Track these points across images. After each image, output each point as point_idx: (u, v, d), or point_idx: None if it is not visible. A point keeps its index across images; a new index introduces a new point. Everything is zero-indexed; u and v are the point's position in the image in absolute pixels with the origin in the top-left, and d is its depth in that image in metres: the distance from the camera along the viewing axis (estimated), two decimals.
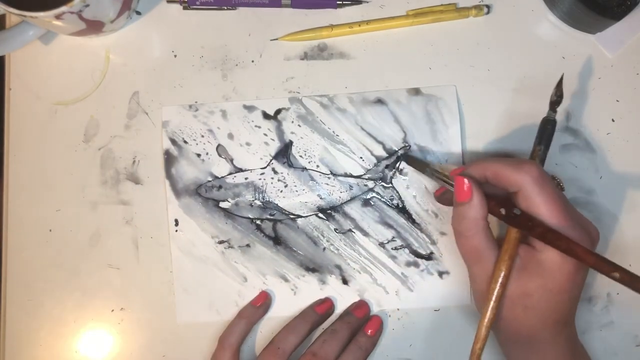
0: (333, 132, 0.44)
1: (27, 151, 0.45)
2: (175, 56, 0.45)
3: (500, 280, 0.35)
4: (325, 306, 0.42)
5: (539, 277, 0.34)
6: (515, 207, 0.35)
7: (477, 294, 0.38)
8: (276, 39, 0.45)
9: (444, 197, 0.41)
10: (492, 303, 0.35)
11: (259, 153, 0.44)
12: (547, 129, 0.38)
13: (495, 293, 0.35)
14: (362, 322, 0.42)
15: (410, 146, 0.44)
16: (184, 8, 0.45)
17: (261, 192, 0.44)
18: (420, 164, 0.42)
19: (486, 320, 0.35)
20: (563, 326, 0.36)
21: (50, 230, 0.44)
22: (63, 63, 0.46)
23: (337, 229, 0.44)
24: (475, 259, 0.36)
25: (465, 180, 0.35)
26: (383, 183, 0.44)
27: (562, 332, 0.36)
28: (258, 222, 0.44)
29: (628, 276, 0.30)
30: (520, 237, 0.35)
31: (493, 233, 0.37)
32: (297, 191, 0.44)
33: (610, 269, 0.31)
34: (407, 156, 0.43)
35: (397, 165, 0.44)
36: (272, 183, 0.44)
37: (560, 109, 0.44)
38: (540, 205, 0.34)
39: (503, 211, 0.35)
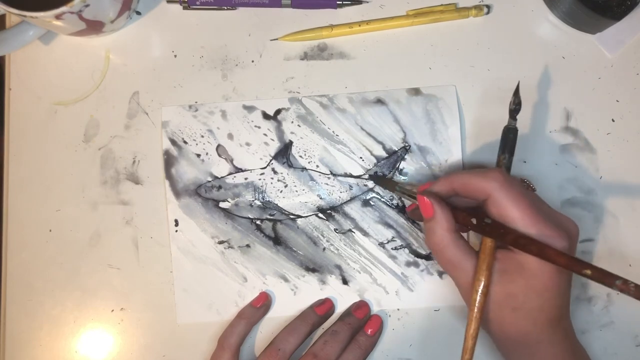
0: (333, 132, 0.44)
1: (27, 151, 0.45)
2: (175, 56, 0.45)
3: (480, 289, 0.35)
4: (325, 307, 0.42)
5: (521, 278, 0.34)
6: (485, 216, 0.35)
7: (466, 303, 0.38)
8: (276, 39, 0.45)
9: (415, 212, 0.41)
10: (475, 313, 0.35)
11: (258, 153, 0.44)
12: (509, 137, 0.38)
13: (477, 303, 0.35)
14: (362, 323, 0.42)
15: (410, 146, 0.44)
16: (184, 8, 0.45)
17: (261, 192, 0.44)
18: (389, 183, 0.42)
19: (472, 330, 0.35)
20: (557, 325, 0.36)
21: (50, 230, 0.44)
22: (63, 63, 0.46)
23: (337, 229, 0.44)
24: (453, 269, 0.37)
25: (425, 198, 0.36)
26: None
27: (557, 331, 0.36)
28: (258, 222, 0.44)
29: (599, 273, 0.31)
30: (496, 244, 0.36)
31: (470, 241, 0.37)
32: (297, 191, 0.44)
33: (581, 267, 0.31)
34: (375, 177, 0.43)
35: (397, 165, 0.44)
36: (272, 183, 0.44)
37: (560, 109, 0.44)
38: (509, 207, 0.34)
39: (474, 221, 0.35)
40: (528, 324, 0.35)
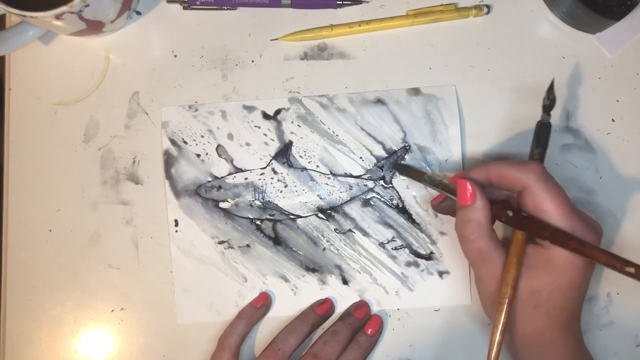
0: (333, 132, 0.44)
1: (27, 151, 0.45)
2: (175, 56, 0.45)
3: (510, 282, 0.34)
4: (325, 307, 0.42)
5: (548, 274, 0.34)
6: (521, 210, 0.35)
7: (486, 299, 0.37)
8: (276, 39, 0.45)
9: (441, 205, 0.41)
10: (505, 306, 0.34)
11: (258, 153, 0.44)
12: (543, 132, 0.38)
13: (507, 296, 0.34)
14: (362, 323, 0.42)
15: (410, 146, 0.44)
16: (184, 8, 0.45)
17: (261, 192, 0.44)
18: (417, 173, 0.42)
19: (500, 324, 0.34)
20: (571, 324, 0.36)
21: (50, 230, 0.44)
22: (63, 63, 0.46)
23: (337, 229, 0.44)
24: (482, 261, 0.36)
25: (468, 183, 0.35)
26: (383, 183, 0.44)
27: (571, 331, 0.36)
28: (258, 222, 0.44)
29: None
30: (527, 237, 0.35)
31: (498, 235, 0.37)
32: (297, 191, 0.44)
33: (623, 265, 0.31)
34: (401, 166, 0.43)
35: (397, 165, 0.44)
36: (272, 183, 0.44)
37: (560, 109, 0.44)
38: (546, 202, 0.34)
39: (510, 213, 0.35)
40: (547, 321, 0.35)
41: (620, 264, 0.31)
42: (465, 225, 0.36)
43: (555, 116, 0.44)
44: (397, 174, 0.44)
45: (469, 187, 0.35)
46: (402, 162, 0.43)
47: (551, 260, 0.34)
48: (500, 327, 0.34)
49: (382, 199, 0.44)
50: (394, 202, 0.44)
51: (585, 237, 0.33)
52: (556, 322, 0.35)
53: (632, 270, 0.30)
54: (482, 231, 0.35)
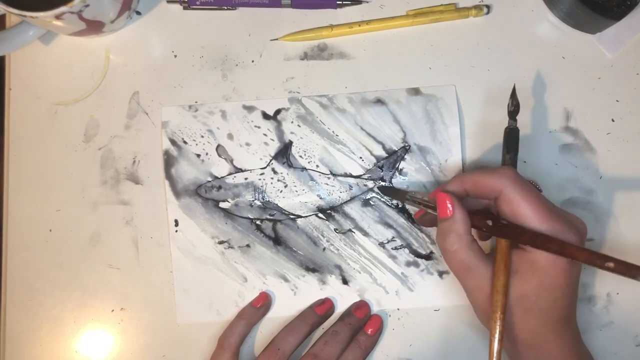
0: (333, 132, 0.44)
1: (27, 151, 0.45)
2: (175, 56, 0.45)
3: (501, 290, 0.34)
4: (325, 307, 0.42)
5: (534, 277, 0.34)
6: (501, 218, 0.35)
7: (478, 309, 0.37)
8: (276, 39, 0.45)
9: (424, 218, 0.41)
10: (498, 314, 0.34)
11: (258, 153, 0.44)
12: (511, 137, 0.39)
13: (500, 304, 0.34)
14: (362, 323, 0.42)
15: (410, 146, 0.44)
16: (184, 8, 0.45)
17: (261, 192, 0.44)
18: (399, 194, 0.42)
19: (497, 333, 0.34)
20: (565, 324, 0.36)
21: (50, 230, 0.44)
22: (63, 63, 0.46)
23: (337, 229, 0.44)
24: (466, 273, 0.36)
25: (446, 196, 0.36)
26: (383, 183, 0.44)
27: (566, 331, 0.36)
28: (258, 222, 0.44)
29: (622, 265, 0.30)
30: (511, 243, 0.35)
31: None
32: (297, 191, 0.44)
33: (603, 260, 0.31)
34: (382, 188, 0.43)
35: (397, 165, 0.44)
36: (271, 183, 0.44)
37: (560, 109, 0.44)
38: (521, 204, 0.34)
39: (490, 223, 0.35)
40: (539, 324, 0.35)
41: (600, 261, 0.31)
42: (446, 238, 0.36)
43: (556, 116, 0.44)
44: (396, 174, 0.44)
45: (446, 199, 0.36)
46: (382, 184, 0.43)
47: (535, 263, 0.34)
48: (497, 335, 0.34)
49: (382, 199, 0.44)
50: (394, 202, 0.44)
51: (566, 236, 0.33)
52: (548, 324, 0.35)
53: (611, 265, 0.30)
54: (462, 242, 0.35)
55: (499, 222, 0.35)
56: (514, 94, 0.40)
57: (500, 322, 0.34)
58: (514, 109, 0.39)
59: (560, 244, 0.33)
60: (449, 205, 0.36)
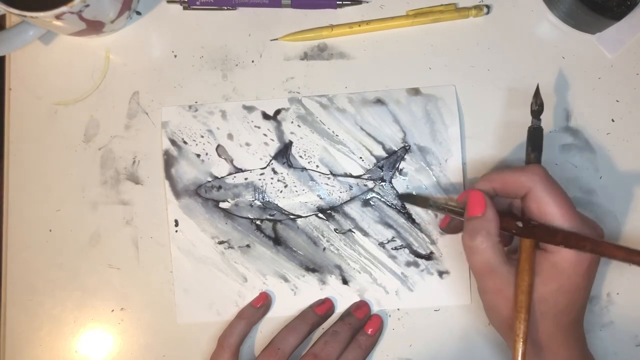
0: (333, 132, 0.44)
1: (27, 151, 0.45)
2: (175, 56, 0.45)
3: (526, 290, 0.34)
4: (325, 307, 0.42)
5: (554, 280, 0.34)
6: (530, 219, 0.35)
7: (491, 310, 0.37)
8: (276, 39, 0.45)
9: (450, 225, 0.41)
10: (523, 315, 0.34)
11: (258, 153, 0.44)
12: (536, 136, 0.39)
13: (525, 304, 0.34)
14: (362, 323, 0.42)
15: (409, 146, 0.44)
16: (184, 8, 0.45)
17: (261, 192, 0.44)
18: (422, 200, 0.42)
19: (522, 333, 0.34)
20: (575, 327, 0.36)
21: (50, 230, 0.44)
22: (63, 63, 0.46)
23: (337, 229, 0.44)
24: (489, 274, 0.35)
25: (481, 194, 0.35)
26: (383, 183, 0.44)
27: (574, 334, 0.36)
28: (258, 222, 0.44)
29: None
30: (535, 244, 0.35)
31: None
32: (297, 191, 0.44)
33: None
34: (404, 195, 0.43)
35: (397, 165, 0.44)
36: (271, 183, 0.44)
37: (560, 109, 0.44)
38: (550, 203, 0.34)
39: (520, 224, 0.35)
40: (552, 326, 0.35)
41: (638, 258, 0.31)
42: (474, 237, 0.35)
43: (556, 116, 0.44)
44: (396, 174, 0.44)
45: (481, 197, 0.35)
46: (403, 192, 0.43)
47: (557, 266, 0.34)
48: (521, 335, 0.34)
49: (382, 199, 0.44)
50: (394, 202, 0.44)
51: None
52: (560, 326, 0.35)
53: None
54: (491, 242, 0.35)
55: (529, 223, 0.35)
56: (537, 94, 0.39)
57: (525, 322, 0.34)
58: (538, 108, 0.39)
59: (595, 242, 0.32)
60: (482, 203, 0.35)
